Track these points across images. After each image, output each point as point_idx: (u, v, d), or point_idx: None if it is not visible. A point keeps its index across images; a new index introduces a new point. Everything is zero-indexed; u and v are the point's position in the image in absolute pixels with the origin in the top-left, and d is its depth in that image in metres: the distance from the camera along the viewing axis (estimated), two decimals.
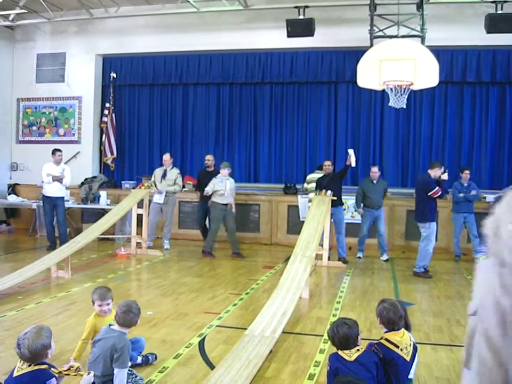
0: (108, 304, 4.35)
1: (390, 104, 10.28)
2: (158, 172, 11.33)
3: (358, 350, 3.65)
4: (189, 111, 13.74)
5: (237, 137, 13.43)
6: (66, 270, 7.98)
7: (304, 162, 12.99)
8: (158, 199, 11.07)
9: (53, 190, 10.39)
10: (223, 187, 10.15)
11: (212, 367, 4.41)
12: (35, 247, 11.01)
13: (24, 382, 3.17)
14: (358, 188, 10.53)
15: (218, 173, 10.69)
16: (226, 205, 10.24)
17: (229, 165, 10.67)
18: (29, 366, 3.23)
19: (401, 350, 3.71)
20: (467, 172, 10.32)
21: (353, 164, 9.85)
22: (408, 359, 3.72)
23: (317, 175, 10.69)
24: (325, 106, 12.95)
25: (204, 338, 5.21)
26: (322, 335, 5.36)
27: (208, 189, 10.12)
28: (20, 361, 3.26)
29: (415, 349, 3.84)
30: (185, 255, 10.47)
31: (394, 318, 3.83)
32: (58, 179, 10.34)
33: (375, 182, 10.33)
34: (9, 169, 14.18)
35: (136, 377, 4.02)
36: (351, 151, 9.76)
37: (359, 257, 10.39)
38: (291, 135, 13.17)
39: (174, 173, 11.25)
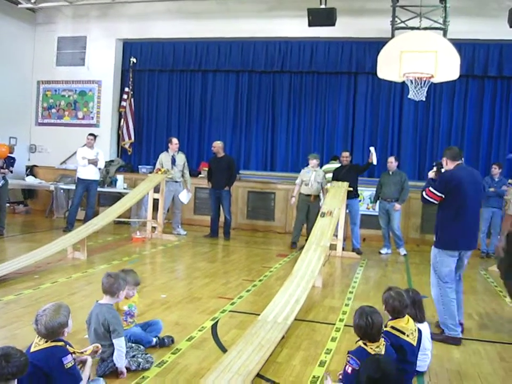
0: (134, 288, 4.49)
1: (409, 96, 10.23)
2: (165, 158, 10.98)
3: (383, 342, 3.53)
4: (207, 97, 13.75)
5: (254, 125, 13.42)
6: (82, 251, 8.06)
7: (322, 153, 12.89)
8: (185, 198, 11.01)
9: (88, 173, 10.62)
10: (308, 177, 10.11)
11: (224, 350, 4.45)
12: (51, 228, 11.11)
13: (41, 358, 3.20)
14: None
15: (229, 159, 10.74)
16: (310, 195, 10.12)
17: (318, 156, 10.51)
18: (46, 342, 3.28)
19: (407, 336, 3.74)
20: (495, 166, 10.16)
21: (375, 162, 9.87)
22: (414, 343, 3.77)
23: (332, 165, 10.72)
24: (343, 96, 12.90)
25: (217, 322, 5.26)
26: (334, 324, 5.40)
27: (297, 181, 10.24)
28: (37, 337, 3.30)
29: (419, 333, 3.87)
30: (200, 240, 10.52)
31: (400, 307, 3.83)
32: (94, 162, 10.59)
33: (391, 173, 9.98)
34: (28, 151, 14.29)
35: (146, 354, 4.11)
36: (372, 149, 9.78)
37: (380, 253, 10.04)
38: (309, 124, 13.14)
39: (182, 157, 11.09)
